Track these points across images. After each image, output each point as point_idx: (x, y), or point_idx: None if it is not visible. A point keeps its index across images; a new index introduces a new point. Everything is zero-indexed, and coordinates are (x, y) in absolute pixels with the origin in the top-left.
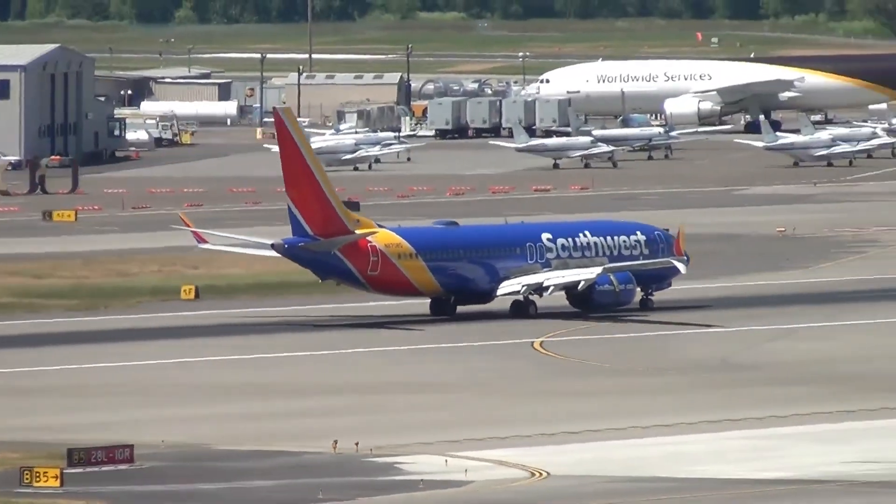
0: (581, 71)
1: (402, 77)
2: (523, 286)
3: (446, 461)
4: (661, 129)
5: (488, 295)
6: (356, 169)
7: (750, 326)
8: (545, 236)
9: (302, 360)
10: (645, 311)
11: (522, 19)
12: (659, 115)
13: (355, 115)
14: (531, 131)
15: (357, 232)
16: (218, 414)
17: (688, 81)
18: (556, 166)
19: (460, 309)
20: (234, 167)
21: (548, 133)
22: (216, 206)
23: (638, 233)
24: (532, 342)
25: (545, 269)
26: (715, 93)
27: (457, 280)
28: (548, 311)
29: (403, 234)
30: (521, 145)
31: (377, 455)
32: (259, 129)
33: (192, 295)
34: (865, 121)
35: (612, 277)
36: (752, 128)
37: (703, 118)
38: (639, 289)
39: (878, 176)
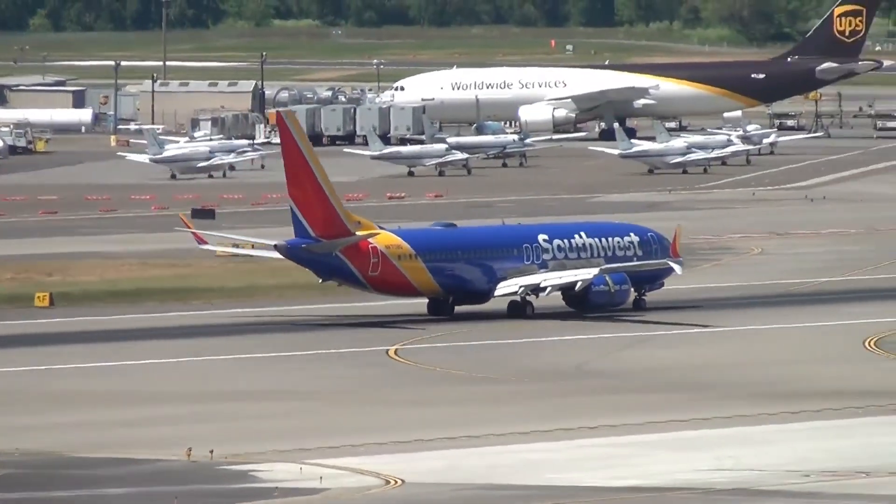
0: (435, 78)
1: (256, 84)
2: (520, 287)
3: (301, 469)
4: (516, 137)
5: (486, 295)
6: (211, 176)
7: (604, 334)
8: (541, 237)
9: (161, 368)
10: (640, 311)
11: (377, 26)
12: (514, 122)
13: (210, 122)
14: (386, 139)
15: (358, 233)
16: (74, 422)
17: (542, 89)
18: (410, 174)
19: (457, 309)
20: (89, 175)
21: (402, 141)
22: (71, 214)
23: (632, 234)
24: (387, 350)
25: (542, 270)
26: (570, 100)
27: (455, 281)
28: (544, 312)
29: (403, 236)
30: (375, 153)
31: (232, 463)
32: (113, 137)
33: (47, 302)
34: (720, 128)
35: (607, 278)
36: (607, 135)
37: (558, 125)
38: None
39: (732, 183)
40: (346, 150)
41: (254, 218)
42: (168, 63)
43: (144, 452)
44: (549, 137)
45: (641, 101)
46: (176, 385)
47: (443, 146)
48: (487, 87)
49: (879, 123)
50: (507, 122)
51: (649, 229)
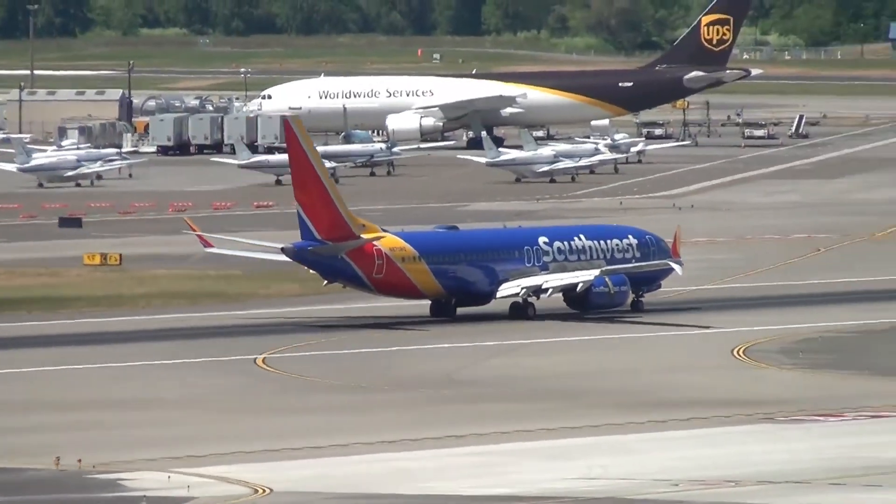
0: (303, 87)
1: (123, 93)
2: (522, 288)
3: (169, 477)
4: (384, 146)
5: (488, 297)
6: (78, 185)
7: (474, 343)
8: (542, 240)
9: (29, 376)
10: (637, 313)
11: (244, 35)
12: (381, 131)
13: (77, 131)
14: (253, 148)
15: (363, 236)
16: None
17: (410, 97)
18: (278, 182)
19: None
20: None
21: (270, 150)
22: None
23: (630, 236)
24: (255, 358)
25: (543, 272)
26: (437, 109)
27: (458, 282)
28: (545, 313)
29: (407, 238)
30: (243, 162)
31: (100, 471)
32: None
33: None
34: (588, 137)
35: (607, 280)
36: (475, 144)
37: (426, 134)
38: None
39: (600, 192)
40: (214, 158)
41: (122, 227)
42: (35, 72)
43: (12, 461)
44: (416, 146)
45: (509, 110)
46: (44, 393)
47: None
48: (355, 96)
49: (747, 132)
50: (375, 131)
51: (647, 232)
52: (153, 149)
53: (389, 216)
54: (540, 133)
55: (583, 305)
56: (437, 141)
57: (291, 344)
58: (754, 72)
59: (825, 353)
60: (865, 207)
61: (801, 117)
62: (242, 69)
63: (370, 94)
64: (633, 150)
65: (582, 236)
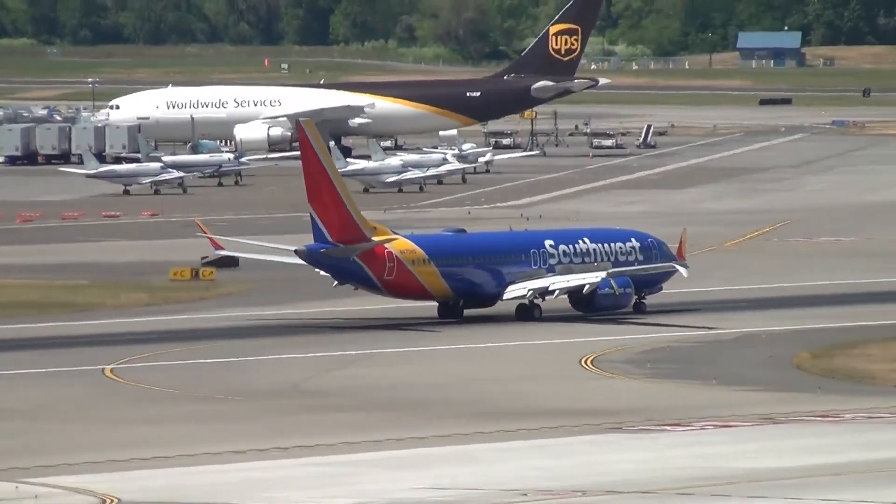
0: (151, 97)
1: None
2: (529, 290)
3: (17, 487)
4: (231, 156)
5: (495, 299)
6: None
7: (322, 353)
8: (548, 243)
9: None
10: (639, 314)
11: (92, 45)
12: (229, 141)
13: None
14: (101, 157)
15: (374, 239)
16: None
17: (258, 107)
18: (126, 192)
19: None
20: None
21: (118, 159)
22: None
23: (633, 240)
24: (103, 368)
25: (549, 274)
26: (285, 119)
27: (466, 284)
28: (550, 315)
29: (416, 241)
30: (91, 171)
31: None
32: None
33: None
34: (436, 147)
35: (612, 282)
36: None
37: (274, 144)
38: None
39: (448, 202)
40: (62, 168)
41: None
42: None
43: None
44: (264, 156)
45: (357, 120)
46: None
47: (158, 165)
48: (203, 106)
49: (595, 142)
50: (223, 141)
51: (649, 235)
52: (1, 159)
53: (236, 227)
54: (388, 143)
55: (588, 307)
56: (284, 151)
57: (140, 354)
58: (602, 81)
59: (673, 363)
60: (713, 217)
61: (648, 127)
62: (90, 79)
63: (218, 105)
64: (481, 159)
65: (586, 239)
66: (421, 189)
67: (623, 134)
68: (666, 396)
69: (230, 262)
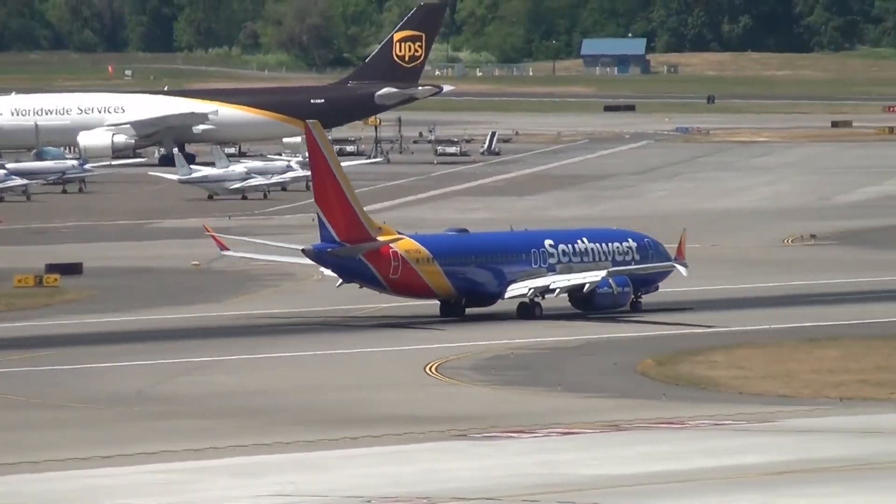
0: None
1: None
2: (530, 289)
3: None
4: (76, 162)
5: (496, 297)
6: None
7: (165, 360)
8: (547, 242)
9: None
10: (636, 313)
11: None
12: (73, 147)
13: None
14: None
15: (380, 239)
16: None
17: (102, 114)
18: None
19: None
20: None
21: None
22: None
23: (629, 240)
24: None
25: (550, 273)
26: (129, 126)
27: (469, 283)
28: (552, 314)
29: (421, 241)
30: None
31: None
32: None
33: None
34: (280, 154)
35: (611, 281)
36: (167, 161)
37: (118, 151)
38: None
39: (293, 209)
40: None
41: None
42: None
43: None
44: (108, 163)
45: (201, 127)
46: None
47: (2, 172)
48: (47, 113)
49: (439, 149)
50: (68, 148)
51: (645, 235)
52: None
53: (80, 233)
54: (232, 150)
55: (588, 306)
56: (128, 158)
57: None
58: (446, 88)
59: (517, 370)
60: (557, 224)
61: (493, 134)
62: None
63: (62, 112)
64: None
65: (584, 239)
66: (265, 196)
67: (467, 141)
68: (511, 403)
69: (75, 269)
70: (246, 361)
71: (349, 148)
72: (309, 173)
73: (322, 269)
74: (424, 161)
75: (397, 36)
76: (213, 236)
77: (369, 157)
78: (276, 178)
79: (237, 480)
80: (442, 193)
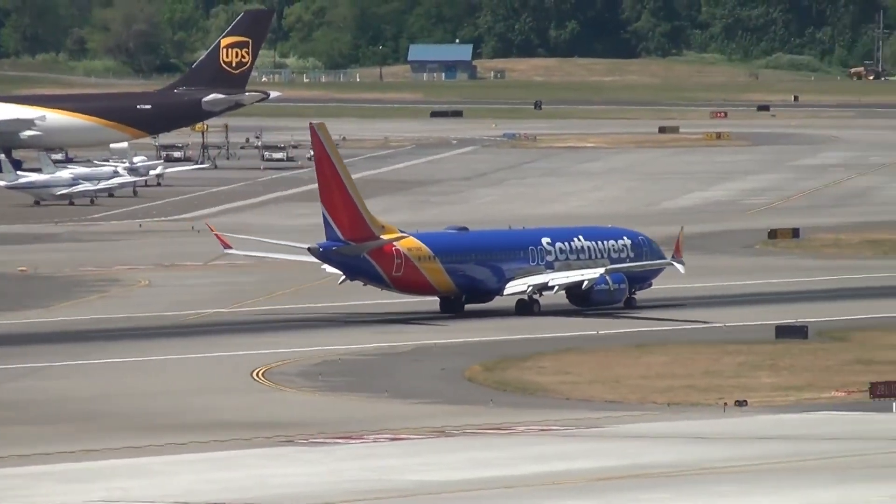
0: None
1: None
2: (529, 286)
3: None
4: None
5: (496, 294)
6: None
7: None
8: (545, 240)
9: None
10: (631, 309)
11: None
12: None
13: None
14: None
15: (383, 237)
16: None
17: None
18: None
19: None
20: None
21: None
22: None
23: (624, 237)
24: None
25: (548, 271)
26: None
27: (469, 280)
28: (550, 310)
29: (422, 239)
30: None
31: None
32: None
33: None
34: (107, 160)
35: (607, 278)
36: None
37: None
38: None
39: (119, 215)
40: None
41: None
42: None
43: None
44: None
45: (27, 133)
46: None
47: None
48: None
49: (266, 154)
50: None
51: (639, 233)
52: None
53: None
54: (59, 156)
55: (585, 302)
56: None
57: None
58: (273, 94)
59: (345, 376)
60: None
61: None
62: None
63: None
64: (153, 172)
65: (581, 237)
66: (92, 202)
67: (294, 146)
68: (338, 409)
69: None
70: (74, 367)
71: (176, 154)
72: (135, 179)
73: (325, 266)
74: (251, 167)
75: (224, 42)
76: (216, 235)
77: (197, 163)
78: (103, 184)
79: (65, 486)
80: (270, 199)
